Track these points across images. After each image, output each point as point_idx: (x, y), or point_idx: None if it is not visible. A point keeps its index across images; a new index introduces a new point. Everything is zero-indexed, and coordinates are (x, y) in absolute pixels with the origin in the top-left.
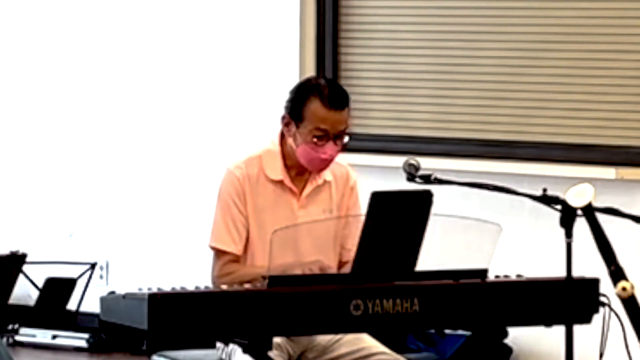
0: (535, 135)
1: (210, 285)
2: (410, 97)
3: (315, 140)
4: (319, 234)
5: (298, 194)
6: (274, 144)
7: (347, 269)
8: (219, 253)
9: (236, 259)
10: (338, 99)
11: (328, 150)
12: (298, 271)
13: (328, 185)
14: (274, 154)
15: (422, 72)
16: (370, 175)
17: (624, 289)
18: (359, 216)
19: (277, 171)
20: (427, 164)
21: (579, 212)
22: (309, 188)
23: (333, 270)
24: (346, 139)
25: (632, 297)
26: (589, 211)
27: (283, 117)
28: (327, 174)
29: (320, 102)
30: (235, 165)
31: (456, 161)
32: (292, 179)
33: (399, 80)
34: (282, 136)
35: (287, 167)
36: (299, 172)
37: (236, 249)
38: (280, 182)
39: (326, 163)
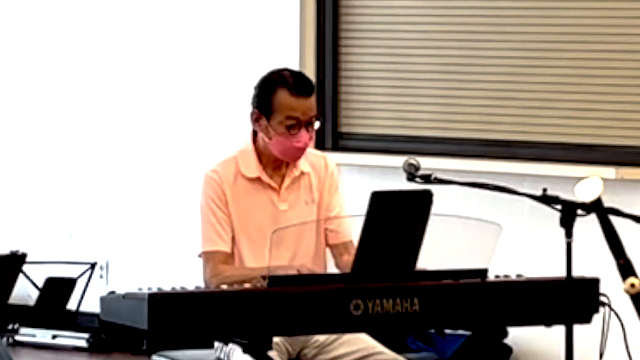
0: (536, 135)
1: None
2: (410, 97)
3: (288, 129)
4: (311, 229)
5: (278, 188)
6: (247, 144)
7: (345, 260)
8: (208, 256)
9: (226, 259)
10: (304, 85)
11: (302, 139)
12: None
13: (307, 175)
14: (248, 153)
15: (423, 72)
16: (370, 175)
17: (632, 285)
18: (342, 208)
19: (253, 169)
20: (428, 163)
21: (581, 211)
22: (287, 181)
23: (320, 267)
24: (317, 124)
25: None
26: (598, 205)
27: (252, 114)
28: (304, 165)
29: (287, 92)
30: (212, 170)
31: (457, 161)
32: (269, 175)
33: (399, 80)
34: (254, 135)
35: (263, 163)
36: (275, 167)
37: (225, 246)
38: (258, 179)
39: (301, 152)
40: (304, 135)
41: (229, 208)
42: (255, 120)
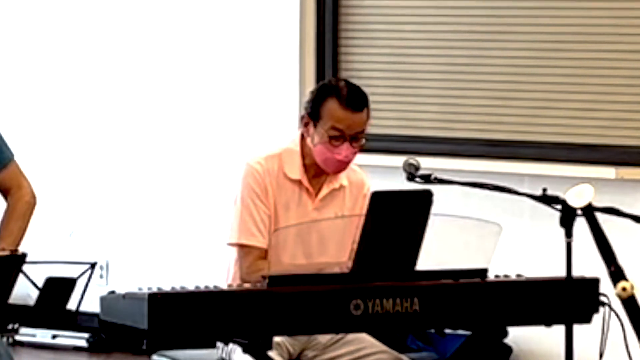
0: (536, 135)
1: (209, 285)
2: (411, 96)
3: (331, 140)
4: (327, 235)
5: (314, 195)
6: (295, 144)
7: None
8: (245, 249)
9: (263, 255)
10: (355, 100)
11: (343, 152)
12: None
13: (343, 190)
14: (293, 153)
15: (423, 72)
16: (371, 175)
17: (623, 289)
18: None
19: (296, 170)
20: (430, 163)
21: (579, 212)
22: (324, 190)
23: None
24: (363, 141)
25: (632, 298)
26: (589, 211)
27: (302, 117)
28: (343, 179)
29: (337, 102)
30: (256, 161)
31: (458, 161)
32: (309, 179)
33: (399, 80)
34: (303, 136)
35: (306, 167)
36: (317, 173)
37: (264, 242)
38: (298, 182)
39: (342, 165)
40: (346, 149)
41: (269, 200)
42: (305, 124)
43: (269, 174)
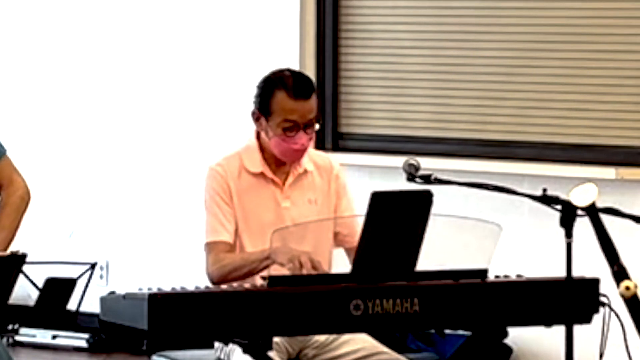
0: (535, 135)
1: (209, 285)
2: (409, 97)
3: (285, 132)
4: (314, 229)
5: (281, 185)
6: (251, 140)
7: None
8: (211, 246)
9: (228, 249)
10: (303, 88)
11: (299, 140)
12: (284, 257)
13: (310, 174)
14: (252, 149)
15: (422, 72)
16: (370, 175)
17: (627, 288)
18: (353, 212)
19: (257, 164)
20: (427, 164)
21: (581, 212)
22: (291, 178)
23: (324, 266)
24: (317, 126)
25: (635, 297)
26: (593, 211)
27: (253, 113)
28: (307, 164)
29: (285, 94)
30: (216, 163)
31: (455, 161)
32: (273, 171)
33: (399, 80)
34: (258, 132)
35: (266, 159)
36: (279, 164)
37: (228, 237)
38: (262, 175)
39: (299, 153)
40: (301, 138)
41: (233, 201)
42: (256, 119)
43: (230, 174)
